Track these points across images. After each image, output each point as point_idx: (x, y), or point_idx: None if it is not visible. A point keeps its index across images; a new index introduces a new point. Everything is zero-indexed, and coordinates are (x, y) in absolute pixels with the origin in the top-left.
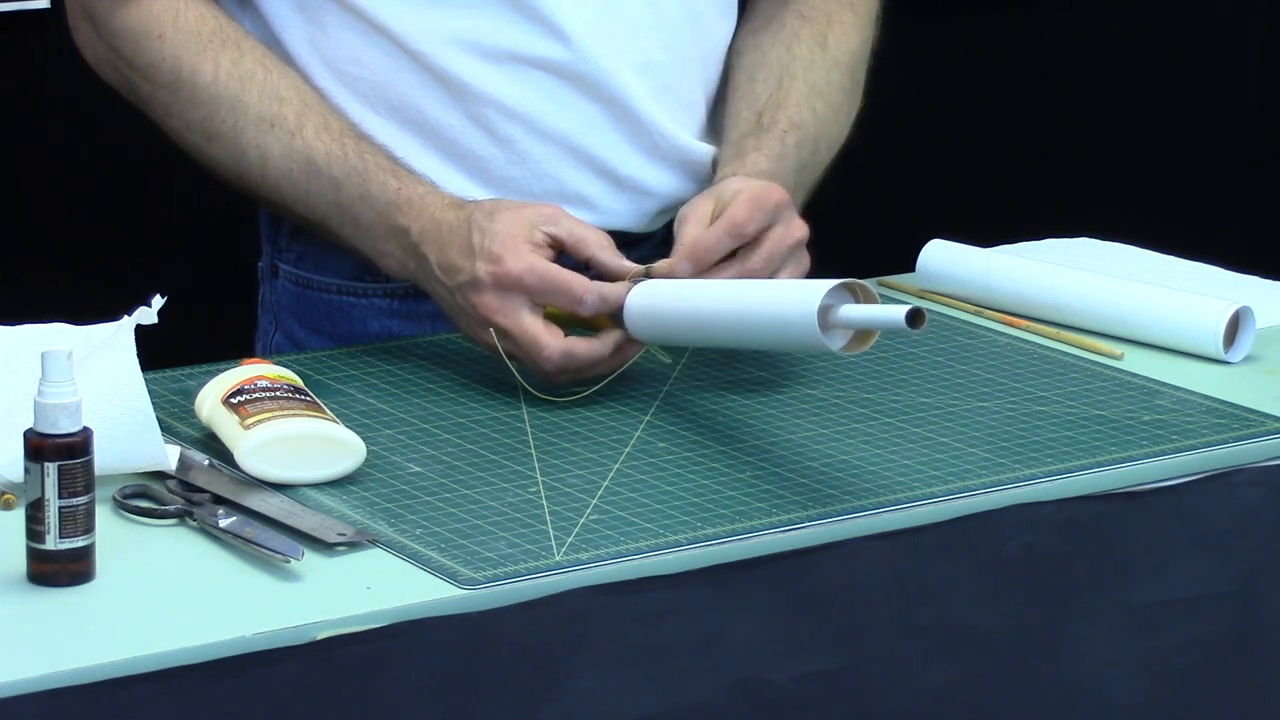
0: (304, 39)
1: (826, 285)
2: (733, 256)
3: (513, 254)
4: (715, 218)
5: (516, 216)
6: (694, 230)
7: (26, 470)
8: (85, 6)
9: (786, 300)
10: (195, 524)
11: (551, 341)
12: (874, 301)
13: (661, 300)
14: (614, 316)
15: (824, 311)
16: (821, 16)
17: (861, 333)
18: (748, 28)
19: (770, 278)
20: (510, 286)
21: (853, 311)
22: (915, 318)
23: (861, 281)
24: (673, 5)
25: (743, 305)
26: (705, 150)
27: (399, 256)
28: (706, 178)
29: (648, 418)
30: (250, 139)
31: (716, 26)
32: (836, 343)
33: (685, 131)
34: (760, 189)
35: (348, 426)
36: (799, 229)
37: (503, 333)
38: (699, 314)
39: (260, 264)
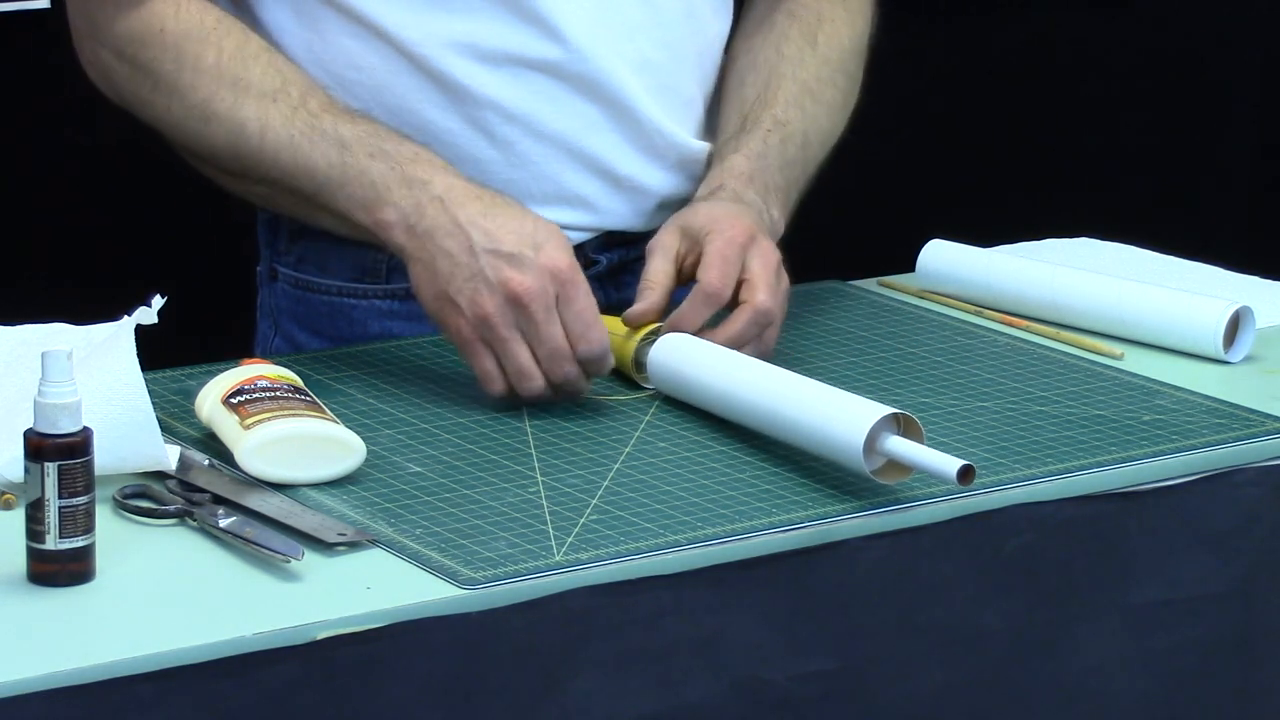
0: (301, 44)
1: (877, 414)
2: None
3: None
4: (681, 255)
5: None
6: (660, 265)
7: (26, 470)
8: (88, 18)
9: (834, 421)
10: (195, 524)
11: (605, 330)
12: (919, 434)
13: (689, 368)
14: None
15: (871, 437)
16: (811, 15)
17: (897, 465)
18: (741, 31)
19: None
20: (562, 280)
21: (901, 447)
22: (966, 473)
23: (910, 415)
24: (669, 4)
25: (788, 411)
26: (703, 148)
27: (405, 209)
28: (704, 176)
29: (648, 418)
30: (251, 111)
31: (712, 24)
32: (872, 465)
33: (683, 130)
34: (724, 239)
35: (348, 426)
36: (771, 256)
37: (566, 302)
38: (734, 397)
39: (259, 269)
